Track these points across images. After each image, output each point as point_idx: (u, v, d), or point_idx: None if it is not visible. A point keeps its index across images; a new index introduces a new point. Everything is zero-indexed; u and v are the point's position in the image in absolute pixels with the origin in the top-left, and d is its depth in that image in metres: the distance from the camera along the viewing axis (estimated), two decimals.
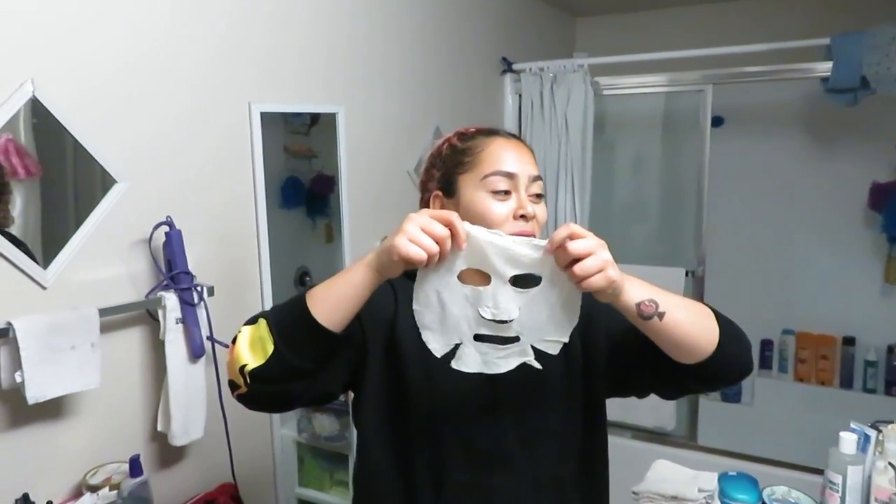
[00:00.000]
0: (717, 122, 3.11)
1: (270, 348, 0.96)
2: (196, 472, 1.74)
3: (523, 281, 0.96)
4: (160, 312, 1.56)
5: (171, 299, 1.56)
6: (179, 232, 1.58)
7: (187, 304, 1.59)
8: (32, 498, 1.35)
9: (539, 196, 1.09)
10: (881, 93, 2.46)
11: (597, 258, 0.89)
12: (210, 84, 1.71)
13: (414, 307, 0.99)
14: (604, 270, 0.89)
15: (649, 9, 3.68)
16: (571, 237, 0.89)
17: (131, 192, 1.53)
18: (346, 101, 2.16)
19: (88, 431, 1.50)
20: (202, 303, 1.62)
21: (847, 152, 3.34)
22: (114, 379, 1.51)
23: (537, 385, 1.11)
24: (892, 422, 2.27)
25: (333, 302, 0.96)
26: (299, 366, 0.97)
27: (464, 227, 0.92)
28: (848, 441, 1.40)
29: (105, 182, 1.49)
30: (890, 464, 1.35)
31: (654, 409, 2.96)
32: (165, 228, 1.57)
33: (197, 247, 1.67)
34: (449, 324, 0.98)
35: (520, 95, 3.17)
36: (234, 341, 0.99)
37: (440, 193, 1.11)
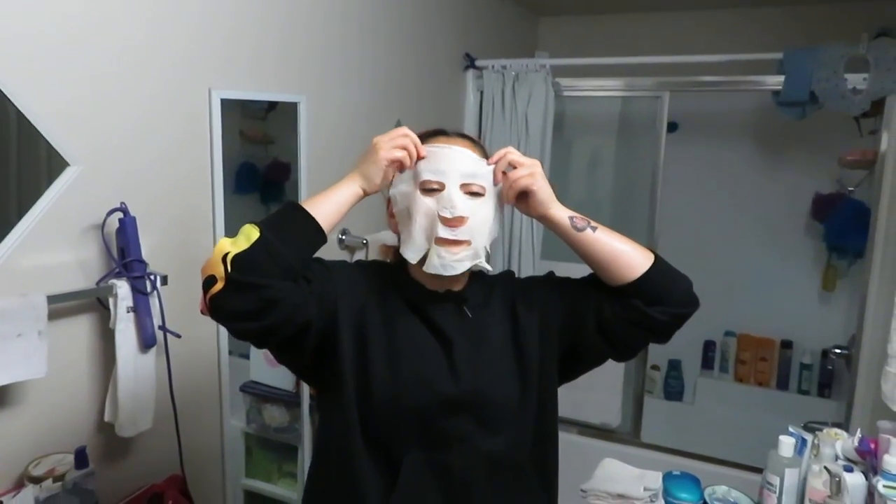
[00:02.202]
0: (672, 127, 3.18)
1: (256, 235, 1.03)
2: (143, 463, 1.70)
3: (471, 193, 1.15)
4: (111, 300, 1.51)
5: (122, 287, 1.52)
6: (134, 219, 1.54)
7: (139, 293, 1.55)
8: None
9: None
10: (828, 108, 2.56)
11: (527, 168, 1.14)
12: (170, 68, 1.66)
13: (397, 218, 1.19)
14: (532, 175, 1.13)
15: (611, 12, 3.73)
16: (510, 152, 1.15)
17: (85, 175, 1.48)
18: (309, 91, 2.13)
19: (32, 421, 1.45)
20: (155, 292, 1.59)
21: (793, 164, 3.47)
22: (61, 367, 1.46)
23: (496, 373, 1.16)
24: (824, 423, 2.38)
25: (321, 202, 1.11)
26: (283, 253, 1.02)
27: (420, 143, 1.16)
28: (786, 444, 1.46)
29: (57, 164, 1.43)
30: (825, 468, 1.41)
31: (601, 406, 3.03)
32: (119, 215, 1.53)
33: (151, 234, 1.63)
34: (416, 233, 1.14)
35: (481, 92, 3.17)
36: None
37: None
